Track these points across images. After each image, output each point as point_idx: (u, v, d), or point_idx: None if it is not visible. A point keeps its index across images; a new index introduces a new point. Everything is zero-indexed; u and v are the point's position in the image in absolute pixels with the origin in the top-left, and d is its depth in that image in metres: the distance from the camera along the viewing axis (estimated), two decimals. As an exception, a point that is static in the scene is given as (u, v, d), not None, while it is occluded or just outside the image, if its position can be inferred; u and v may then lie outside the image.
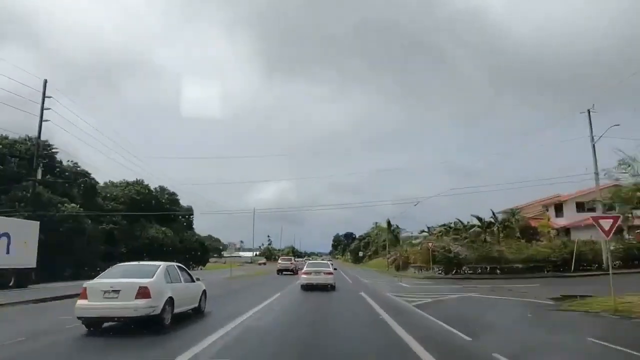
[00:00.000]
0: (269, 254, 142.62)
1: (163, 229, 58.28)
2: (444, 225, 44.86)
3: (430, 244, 32.14)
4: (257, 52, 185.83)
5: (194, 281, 11.64)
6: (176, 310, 9.74)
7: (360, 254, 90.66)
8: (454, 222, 44.10)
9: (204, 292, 12.19)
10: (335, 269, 26.79)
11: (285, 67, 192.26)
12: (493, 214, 36.03)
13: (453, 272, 31.84)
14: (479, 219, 37.55)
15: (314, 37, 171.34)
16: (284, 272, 42.99)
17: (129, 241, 53.02)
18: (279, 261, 51.28)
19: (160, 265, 9.88)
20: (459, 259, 31.43)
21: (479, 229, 37.33)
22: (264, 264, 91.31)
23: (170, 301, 9.38)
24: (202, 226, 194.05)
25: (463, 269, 31.44)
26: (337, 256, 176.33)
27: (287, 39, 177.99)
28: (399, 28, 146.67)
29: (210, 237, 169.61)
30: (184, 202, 69.02)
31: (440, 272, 32.56)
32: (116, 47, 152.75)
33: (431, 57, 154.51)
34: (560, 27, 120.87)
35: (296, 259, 63.10)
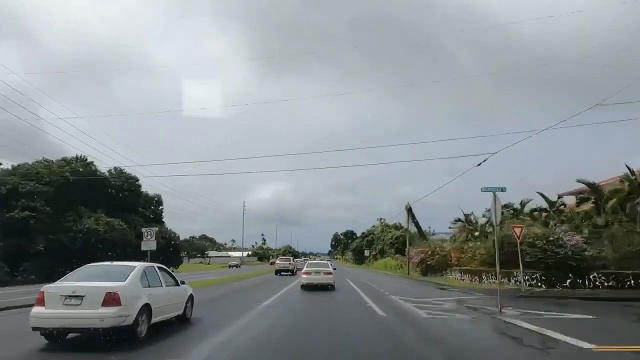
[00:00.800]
0: (262, 254, 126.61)
1: (108, 219, 42.53)
2: (507, 205, 28.50)
3: (518, 230, 16.44)
4: (255, 50, 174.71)
5: (178, 284, 9.72)
6: (155, 319, 8.11)
7: (366, 252, 74.44)
8: (521, 201, 28.00)
9: (191, 297, 10.34)
10: (334, 269, 24.49)
11: (283, 65, 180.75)
12: (630, 171, 19.30)
13: (564, 284, 16.43)
14: (592, 185, 20.83)
15: (314, 35, 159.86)
16: (282, 273, 39.05)
17: (57, 234, 37.59)
18: (277, 261, 46.69)
19: (136, 267, 8.20)
20: (581, 257, 16.04)
21: (593, 205, 21.12)
22: (237, 266, 69.59)
23: (147, 309, 7.75)
24: (197, 226, 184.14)
25: (591, 277, 15.99)
26: (336, 256, 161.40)
27: (285, 36, 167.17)
28: (399, 26, 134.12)
29: (204, 236, 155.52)
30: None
31: (534, 281, 17.12)
32: (111, 44, 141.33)
33: (432, 56, 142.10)
34: (562, 24, 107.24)
35: (294, 260, 57.29)
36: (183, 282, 10.19)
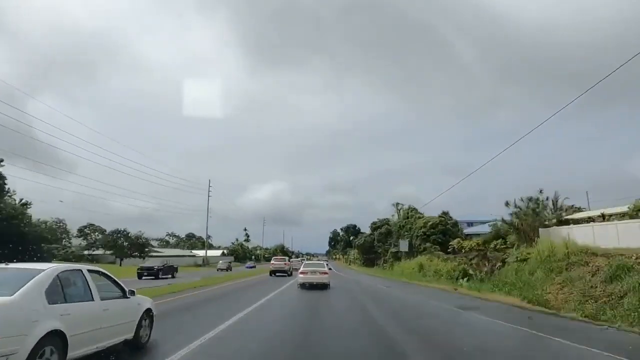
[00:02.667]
0: (241, 253, 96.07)
1: None
2: None
3: None
4: (249, 45, 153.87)
5: (126, 296, 6.31)
6: (75, 353, 4.85)
7: (402, 245, 43.50)
8: None
9: (148, 313, 6.86)
10: (330, 268, 25.40)
11: (277, 60, 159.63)
12: None
13: None
14: None
15: (312, 31, 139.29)
16: (278, 274, 35.26)
17: None
18: (272, 262, 40.56)
19: (43, 271, 4.89)
20: None
21: None
22: None
23: (56, 338, 4.51)
24: (192, 226, 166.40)
25: None
26: (335, 256, 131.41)
27: (280, 30, 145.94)
28: (398, 18, 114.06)
29: (192, 235, 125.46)
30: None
31: None
32: (94, 37, 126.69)
33: (431, 50, 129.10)
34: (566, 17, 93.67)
35: (290, 260, 49.94)
36: (133, 293, 6.45)
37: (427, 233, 46.60)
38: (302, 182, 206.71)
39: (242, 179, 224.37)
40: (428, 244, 45.17)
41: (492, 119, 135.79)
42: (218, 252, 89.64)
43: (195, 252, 79.45)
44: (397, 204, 72.87)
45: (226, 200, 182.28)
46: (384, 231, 65.71)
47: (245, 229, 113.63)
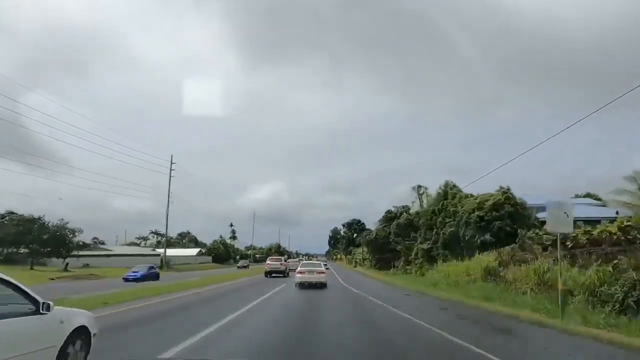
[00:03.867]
0: (224, 253, 78.19)
1: None
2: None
3: None
4: (249, 44, 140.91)
5: (39, 311, 3.89)
6: None
7: (475, 239, 24.35)
8: None
9: (80, 333, 4.41)
10: (327, 268, 23.77)
11: (277, 59, 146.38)
12: None
13: None
14: None
15: (312, 29, 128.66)
16: (273, 275, 32.32)
17: None
18: (268, 262, 35.88)
19: None
20: None
21: None
22: None
23: None
24: (192, 226, 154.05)
25: None
26: (336, 256, 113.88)
27: (280, 28, 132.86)
28: (396, 12, 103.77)
29: (185, 233, 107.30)
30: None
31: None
32: (93, 37, 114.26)
33: (433, 49, 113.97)
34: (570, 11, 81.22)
35: (287, 260, 43.93)
36: (48, 307, 3.95)
37: (486, 218, 28.96)
38: (302, 182, 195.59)
39: (242, 178, 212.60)
40: (489, 235, 27.50)
41: (492, 118, 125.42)
42: (194, 252, 72.03)
43: (159, 250, 61.67)
44: (419, 186, 55.23)
45: (226, 200, 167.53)
46: (403, 222, 47.93)
47: (231, 224, 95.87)
